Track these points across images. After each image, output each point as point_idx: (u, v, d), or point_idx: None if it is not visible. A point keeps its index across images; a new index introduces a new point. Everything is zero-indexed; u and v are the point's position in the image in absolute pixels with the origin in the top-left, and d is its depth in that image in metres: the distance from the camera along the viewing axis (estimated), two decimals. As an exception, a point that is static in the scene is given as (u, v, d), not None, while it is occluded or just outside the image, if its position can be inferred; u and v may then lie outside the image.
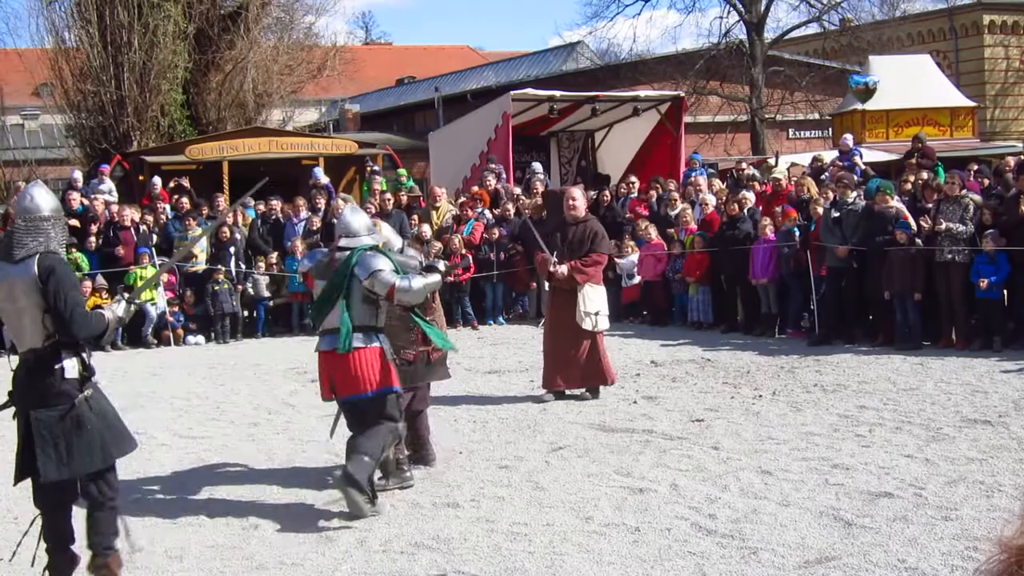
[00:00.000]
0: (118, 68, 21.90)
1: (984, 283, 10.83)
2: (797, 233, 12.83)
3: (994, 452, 6.88)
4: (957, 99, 26.12)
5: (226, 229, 15.09)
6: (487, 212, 16.29)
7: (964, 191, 11.53)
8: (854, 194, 12.29)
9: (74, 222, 14.11)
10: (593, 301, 9.39)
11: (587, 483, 6.63)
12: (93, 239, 14.98)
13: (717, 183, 16.20)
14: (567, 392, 9.49)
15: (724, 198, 14.71)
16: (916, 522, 5.53)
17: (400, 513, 6.18)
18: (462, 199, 16.96)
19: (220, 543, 5.80)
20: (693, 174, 17.24)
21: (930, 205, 11.82)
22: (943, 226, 11.12)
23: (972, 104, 26.84)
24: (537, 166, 18.93)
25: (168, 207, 16.13)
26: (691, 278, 14.02)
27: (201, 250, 15.08)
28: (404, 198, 17.03)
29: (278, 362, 12.48)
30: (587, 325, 9.32)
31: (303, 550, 5.62)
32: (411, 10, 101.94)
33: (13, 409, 5.03)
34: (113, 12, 21.76)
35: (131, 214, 15.36)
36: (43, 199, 5.05)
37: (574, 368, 9.39)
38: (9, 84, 29.14)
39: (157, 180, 17.36)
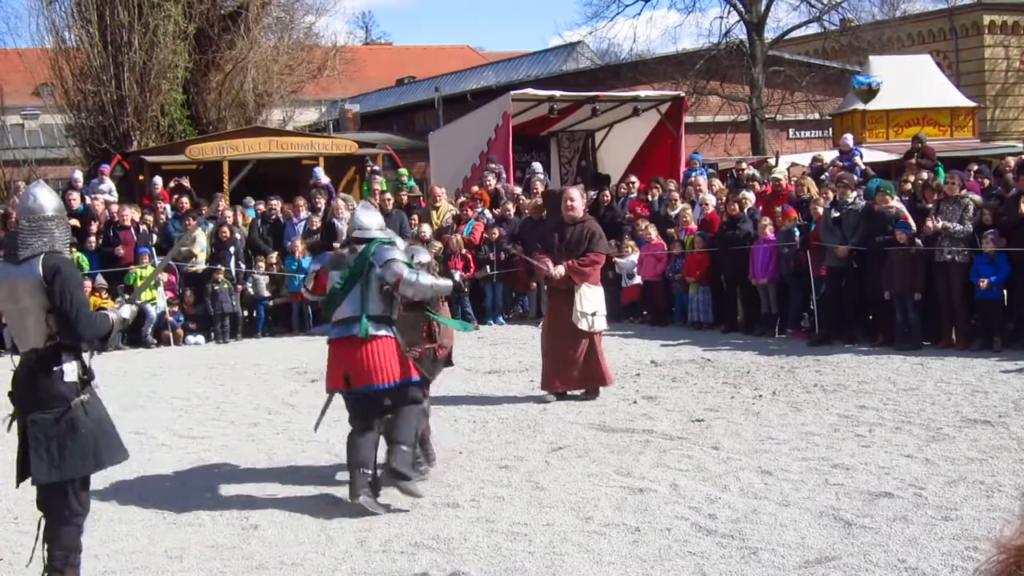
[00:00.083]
0: (118, 68, 21.89)
1: (984, 283, 10.82)
2: (797, 233, 12.83)
3: (994, 452, 6.88)
4: (957, 99, 26.11)
5: (226, 229, 15.09)
6: (487, 212, 16.30)
7: (964, 191, 11.54)
8: (854, 194, 12.29)
9: (74, 222, 14.06)
10: (590, 301, 9.37)
11: (587, 483, 6.63)
12: (93, 239, 14.98)
13: (717, 183, 16.20)
14: (567, 392, 9.49)
15: (724, 198, 14.70)
16: (916, 522, 5.54)
17: (400, 513, 6.19)
18: (462, 199, 16.95)
19: (220, 543, 5.80)
20: (693, 174, 17.23)
21: (930, 205, 11.83)
22: (939, 224, 11.12)
23: (972, 104, 26.83)
24: (537, 166, 18.92)
25: (168, 207, 16.14)
26: (691, 278, 14.01)
27: (201, 250, 15.08)
28: (404, 198, 17.03)
29: (278, 362, 12.48)
30: (583, 325, 9.30)
31: (303, 550, 5.62)
32: (411, 10, 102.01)
33: (12, 410, 5.02)
34: (113, 12, 21.74)
35: (131, 214, 15.37)
36: (46, 199, 5.05)
37: (572, 369, 9.37)
38: (9, 84, 29.08)
39: (157, 180, 17.35)
